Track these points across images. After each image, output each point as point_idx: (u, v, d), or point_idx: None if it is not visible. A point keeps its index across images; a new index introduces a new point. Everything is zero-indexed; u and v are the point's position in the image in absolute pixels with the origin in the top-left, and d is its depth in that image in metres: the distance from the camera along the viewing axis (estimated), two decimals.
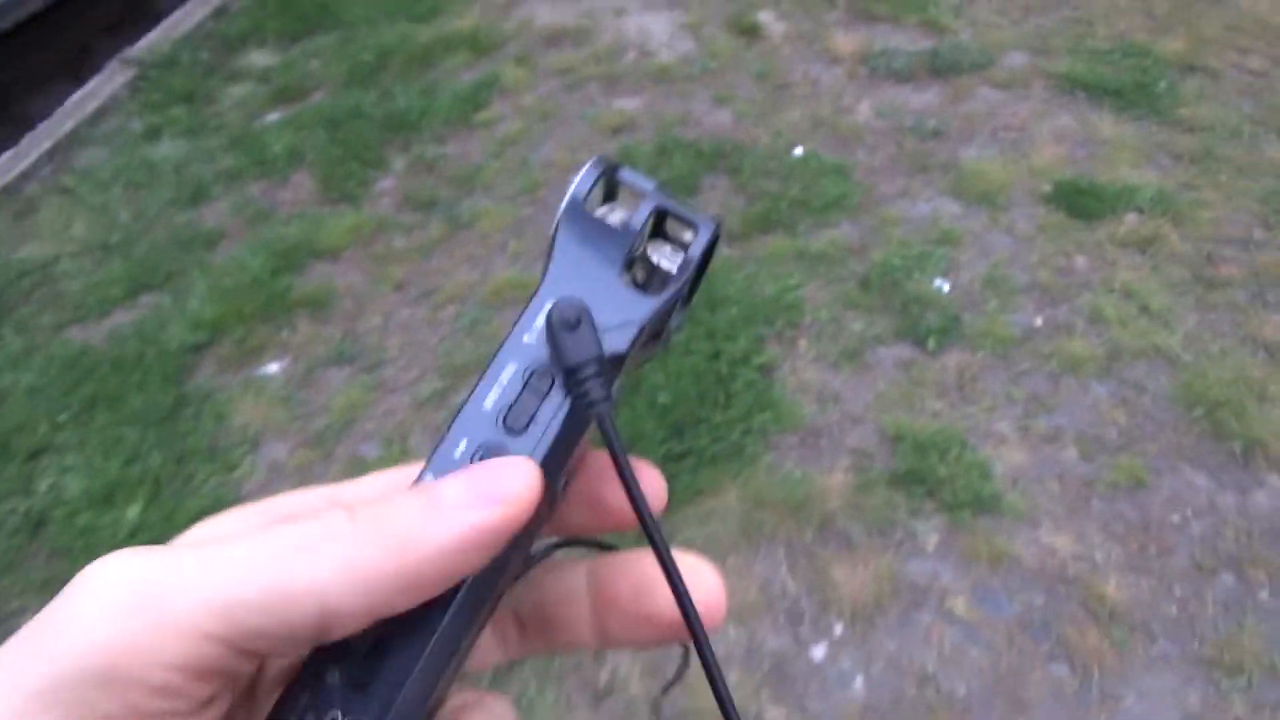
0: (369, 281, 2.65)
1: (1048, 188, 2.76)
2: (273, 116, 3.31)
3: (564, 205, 0.29)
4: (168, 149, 3.18)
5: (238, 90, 3.46)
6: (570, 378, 0.26)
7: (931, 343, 2.31)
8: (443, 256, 2.71)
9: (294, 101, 3.36)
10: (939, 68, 3.26)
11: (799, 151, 2.95)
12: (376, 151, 3.09)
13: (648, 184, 0.30)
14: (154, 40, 3.67)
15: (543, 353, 0.27)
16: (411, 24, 3.67)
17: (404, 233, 2.80)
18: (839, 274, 2.52)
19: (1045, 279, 2.47)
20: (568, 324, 0.26)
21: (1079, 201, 2.67)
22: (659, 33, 3.53)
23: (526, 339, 0.27)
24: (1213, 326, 2.33)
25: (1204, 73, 3.23)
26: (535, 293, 0.28)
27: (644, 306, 0.28)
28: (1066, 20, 3.53)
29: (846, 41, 3.41)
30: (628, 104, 3.20)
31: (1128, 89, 3.12)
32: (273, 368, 2.42)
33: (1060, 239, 2.59)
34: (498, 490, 0.23)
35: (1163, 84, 3.15)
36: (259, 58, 3.61)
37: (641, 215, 0.29)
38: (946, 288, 2.47)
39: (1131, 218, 2.64)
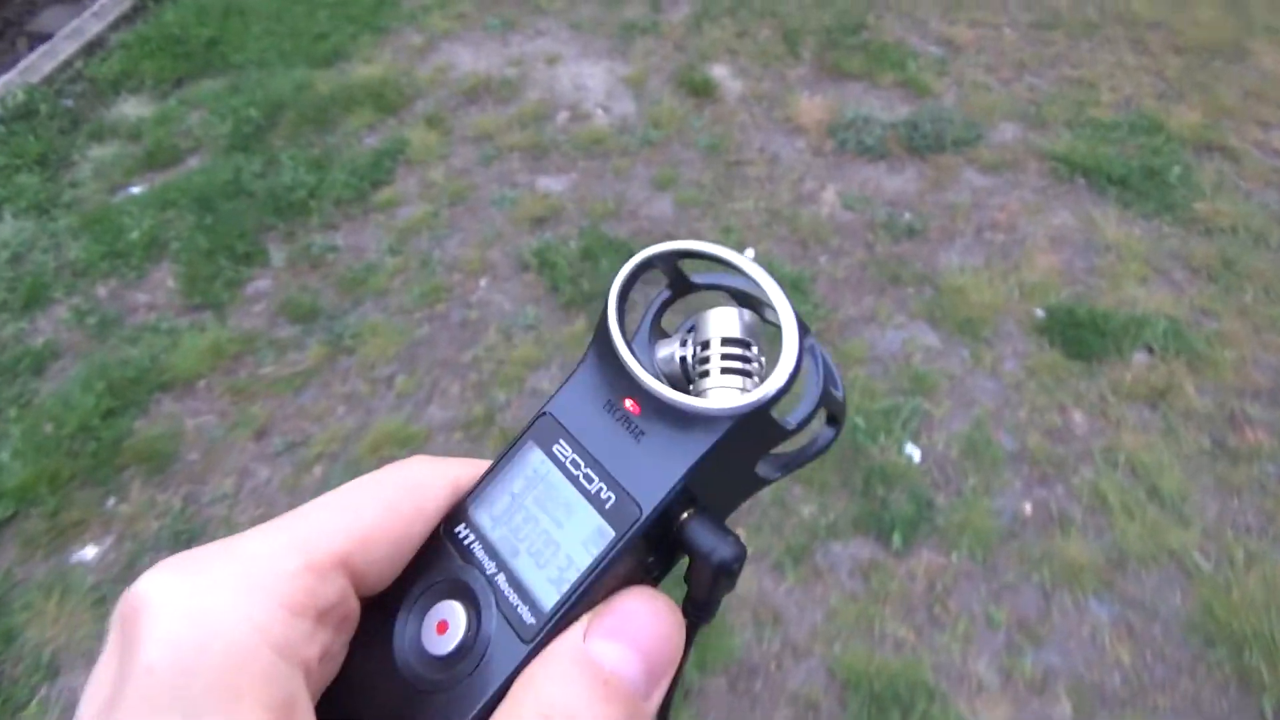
0: (225, 425, 2.18)
1: (1041, 313, 2.32)
2: (137, 189, 2.81)
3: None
4: (8, 231, 2.68)
5: (101, 152, 2.95)
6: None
7: (897, 538, 1.88)
8: (317, 391, 2.24)
9: (165, 168, 2.86)
10: (918, 144, 2.80)
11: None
12: (253, 241, 2.60)
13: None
14: (9, 84, 3.14)
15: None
16: (311, 69, 3.16)
17: (275, 354, 2.33)
18: None
19: (1036, 445, 2.04)
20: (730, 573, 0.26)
21: (1078, 336, 2.24)
22: (595, 88, 3.04)
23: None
24: (1237, 519, 1.91)
25: (1223, 154, 2.79)
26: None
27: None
28: (1065, 81, 3.06)
29: (812, 106, 2.94)
30: (553, 185, 2.72)
31: (1136, 176, 2.67)
32: (88, 553, 1.96)
33: (1055, 386, 2.16)
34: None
35: (1176, 170, 2.71)
36: (132, 107, 3.09)
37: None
38: (918, 456, 2.04)
39: (1140, 359, 2.21)
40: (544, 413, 0.30)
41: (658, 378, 0.28)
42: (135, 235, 2.62)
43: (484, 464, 0.30)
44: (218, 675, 0.21)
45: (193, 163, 2.88)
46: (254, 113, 2.97)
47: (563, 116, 2.94)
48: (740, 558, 0.27)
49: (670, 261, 0.30)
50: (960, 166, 2.75)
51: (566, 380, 0.30)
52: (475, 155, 2.83)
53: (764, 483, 0.30)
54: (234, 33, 3.33)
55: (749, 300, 0.30)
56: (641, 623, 0.25)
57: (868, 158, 2.79)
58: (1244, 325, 2.29)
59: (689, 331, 0.30)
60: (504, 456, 0.30)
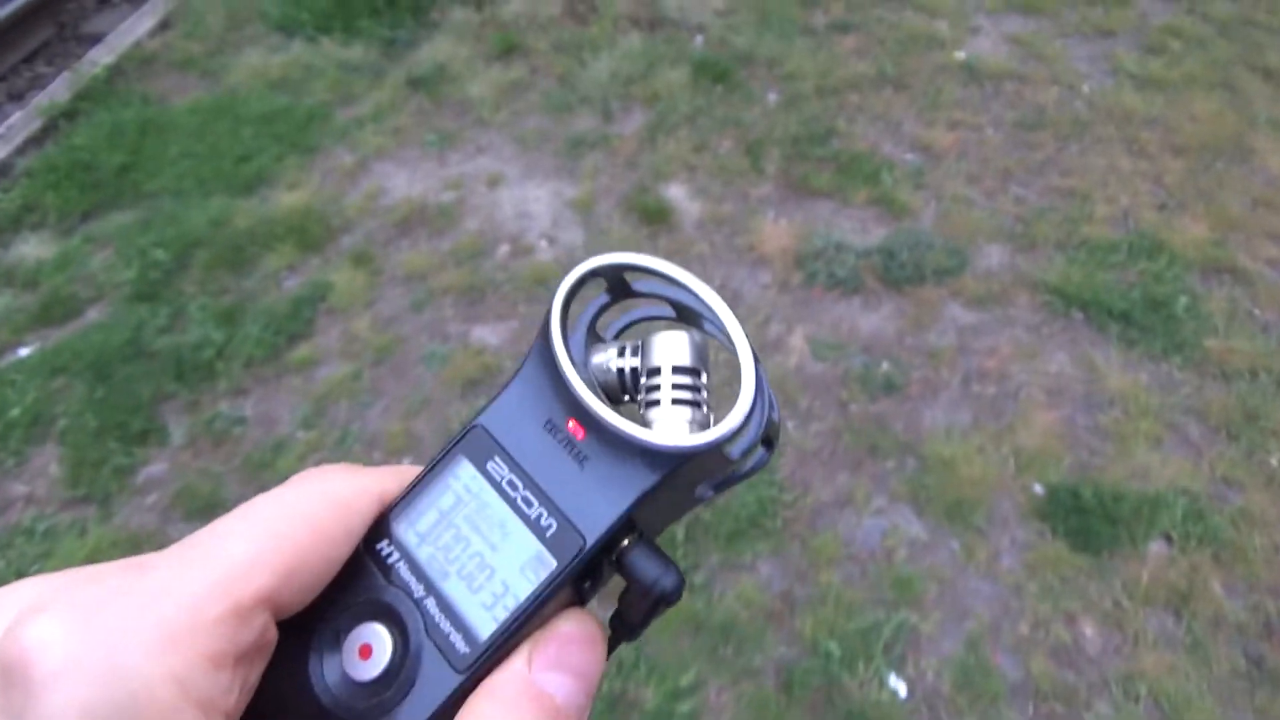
0: None
1: (1040, 489, 2.03)
2: (26, 350, 2.51)
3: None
4: None
5: None
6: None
7: None
8: None
9: (60, 323, 2.57)
10: (895, 275, 2.52)
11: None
12: (150, 414, 2.30)
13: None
14: None
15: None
16: (231, 198, 2.88)
17: None
18: (749, 666, 1.77)
19: (1042, 672, 1.74)
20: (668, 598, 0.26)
21: (1084, 524, 1.94)
22: (540, 214, 2.76)
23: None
24: None
25: (1233, 276, 2.51)
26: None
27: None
28: (1055, 192, 2.79)
29: (777, 232, 2.66)
30: (489, 336, 2.43)
31: (1139, 310, 2.39)
32: None
33: (1061, 588, 1.86)
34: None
35: (1183, 300, 2.43)
36: (32, 247, 2.81)
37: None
38: (903, 691, 1.73)
39: (1157, 550, 1.91)
40: (475, 425, 0.28)
41: (598, 394, 0.27)
42: (17, 412, 2.32)
43: (410, 472, 0.28)
44: None
45: (92, 315, 2.59)
46: (162, 254, 2.68)
47: (503, 251, 2.66)
48: (680, 588, 0.27)
49: (616, 273, 0.30)
50: (943, 301, 2.47)
51: (500, 392, 0.28)
52: (404, 300, 2.54)
53: (698, 503, 0.29)
54: (149, 157, 3.06)
55: (688, 313, 0.30)
56: (581, 650, 0.26)
57: (840, 292, 2.50)
58: (1272, 498, 2.00)
59: (633, 349, 0.29)
60: (432, 469, 0.28)
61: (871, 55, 3.31)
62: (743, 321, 0.28)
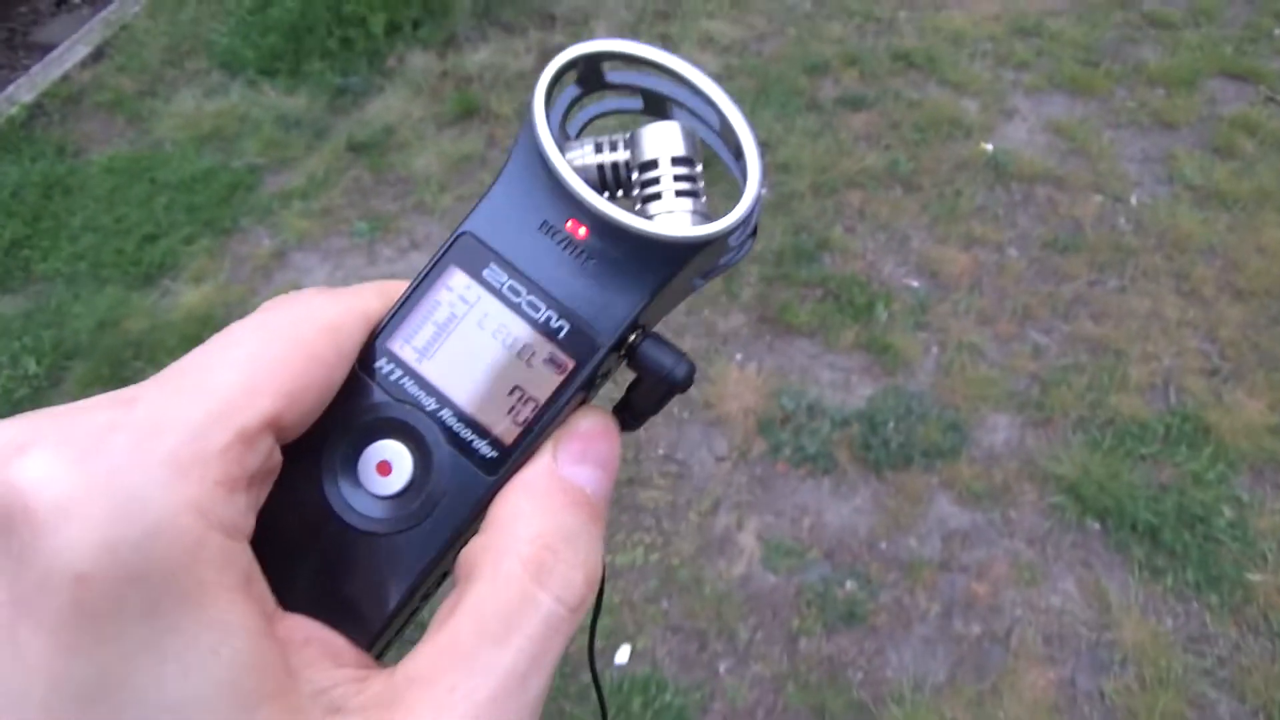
0: None
1: None
2: None
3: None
4: None
5: None
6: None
7: None
8: None
9: None
10: (876, 454, 2.10)
11: (621, 662, 1.81)
12: None
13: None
14: None
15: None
16: (127, 289, 2.52)
17: None
18: None
19: None
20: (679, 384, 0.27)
21: None
22: None
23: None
24: None
25: None
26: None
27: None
28: (1083, 344, 2.33)
29: (744, 382, 2.24)
30: None
31: (1170, 524, 1.96)
32: None
33: None
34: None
35: (1226, 514, 1.99)
36: None
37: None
38: None
39: None
40: (463, 232, 0.27)
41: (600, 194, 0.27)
42: None
43: (393, 288, 0.27)
44: (172, 571, 0.19)
45: None
46: (35, 365, 2.33)
47: None
48: (692, 375, 0.28)
49: (594, 62, 0.29)
50: (931, 492, 2.05)
51: (484, 197, 0.27)
52: None
53: (690, 293, 0.30)
54: (48, 229, 2.70)
55: (659, 103, 0.30)
56: (602, 443, 0.27)
57: (808, 471, 2.09)
58: None
59: (611, 144, 0.28)
60: (420, 282, 0.27)
61: (883, 142, 2.84)
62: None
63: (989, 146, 2.82)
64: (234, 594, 0.20)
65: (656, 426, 2.17)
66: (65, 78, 3.22)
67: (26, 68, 3.69)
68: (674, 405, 2.18)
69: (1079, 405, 2.20)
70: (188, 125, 3.01)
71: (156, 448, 0.20)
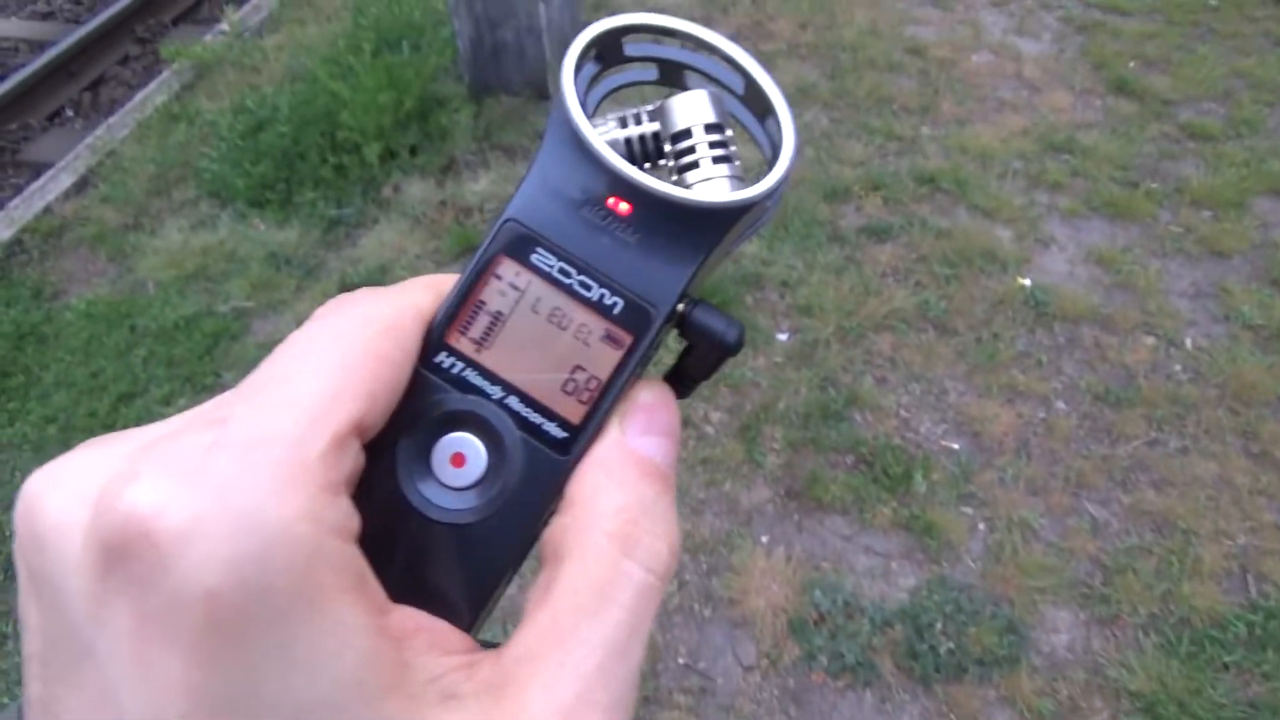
0: None
1: None
2: None
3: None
4: None
5: None
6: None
7: None
8: None
9: None
10: (924, 662, 1.87)
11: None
12: None
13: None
14: None
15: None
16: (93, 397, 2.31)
17: None
18: None
19: None
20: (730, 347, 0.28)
21: None
22: None
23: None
24: None
25: None
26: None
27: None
28: (1146, 519, 2.11)
29: (771, 573, 2.02)
30: None
31: None
32: None
33: None
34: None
35: None
36: None
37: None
38: None
39: None
40: (506, 220, 0.27)
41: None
42: None
43: (441, 282, 0.28)
44: (293, 579, 0.20)
45: None
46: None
47: None
48: (743, 337, 0.28)
49: (616, 37, 0.29)
50: (989, 710, 1.81)
51: (522, 182, 0.28)
52: None
53: (728, 256, 0.30)
54: (18, 386, 2.52)
55: (674, 73, 0.31)
56: (665, 413, 0.27)
57: (846, 683, 1.86)
58: None
59: (636, 117, 0.29)
60: (470, 273, 0.27)
61: (912, 278, 2.64)
62: None
63: (1026, 281, 2.62)
64: (350, 595, 0.21)
65: (677, 629, 1.95)
66: (47, 210, 3.07)
67: (16, 187, 3.56)
68: (695, 602, 1.96)
69: (1148, 597, 1.97)
70: (172, 263, 2.84)
71: (261, 462, 0.20)
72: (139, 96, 3.60)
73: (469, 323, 0.27)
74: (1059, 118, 3.23)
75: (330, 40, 3.63)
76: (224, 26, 3.89)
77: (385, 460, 0.26)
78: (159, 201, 3.09)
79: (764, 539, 2.09)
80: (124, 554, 0.19)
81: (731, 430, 2.28)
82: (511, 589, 0.27)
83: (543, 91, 3.23)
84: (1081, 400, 2.35)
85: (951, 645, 1.90)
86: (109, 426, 2.40)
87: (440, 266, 2.75)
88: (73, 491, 0.21)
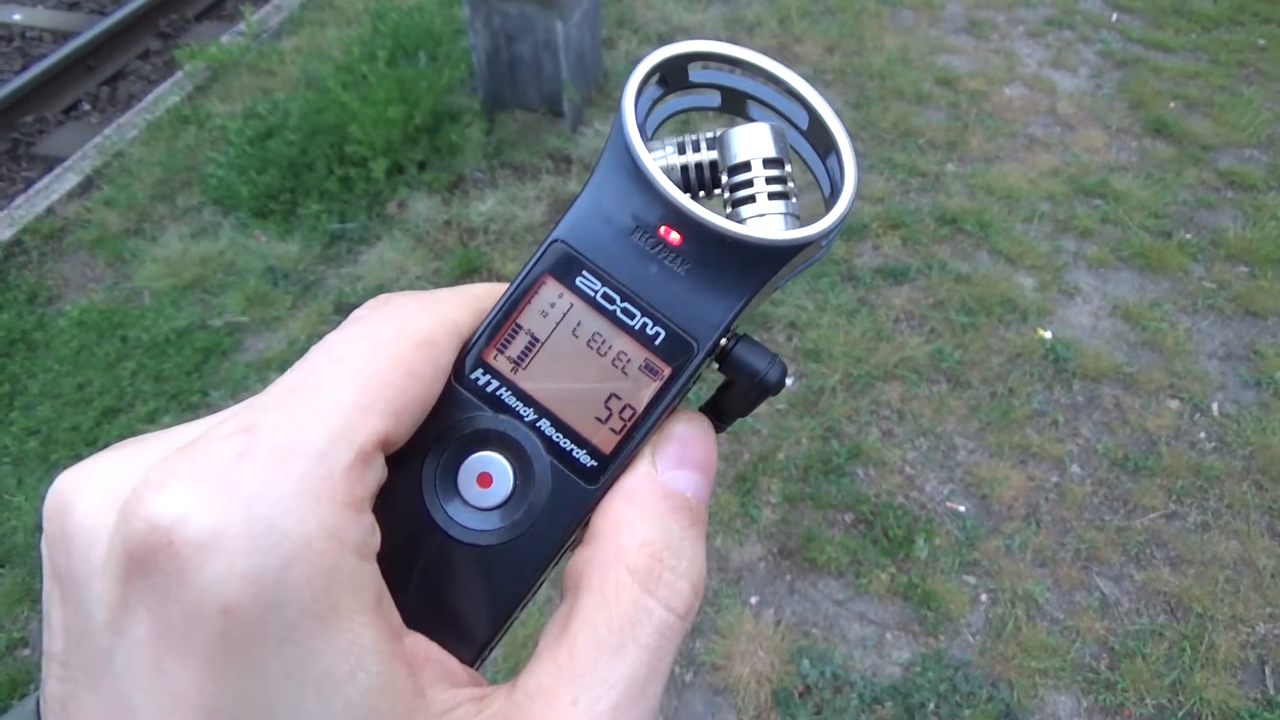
0: None
1: None
2: None
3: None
4: None
5: None
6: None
7: None
8: None
9: None
10: None
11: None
12: None
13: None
14: None
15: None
16: (78, 410, 2.28)
17: None
18: None
19: None
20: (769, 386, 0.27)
21: None
22: None
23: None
24: None
25: None
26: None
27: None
28: (1159, 600, 1.99)
29: (757, 637, 1.92)
30: None
31: None
32: None
33: None
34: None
35: None
36: None
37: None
38: None
39: None
40: (554, 240, 0.27)
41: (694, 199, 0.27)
42: None
43: (484, 295, 0.28)
44: (311, 597, 0.20)
45: None
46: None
47: None
48: (784, 377, 0.27)
49: (682, 62, 0.29)
50: None
51: (574, 203, 0.27)
52: None
53: (775, 289, 0.29)
54: (3, 392, 2.48)
55: (738, 101, 0.30)
56: (700, 447, 0.27)
57: None
58: None
59: (695, 144, 0.28)
60: (513, 292, 0.27)
61: (926, 325, 2.53)
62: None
63: (1047, 334, 2.50)
64: (367, 616, 0.21)
65: None
66: (50, 211, 3.03)
67: (28, 181, 3.53)
68: (677, 665, 1.87)
69: (1156, 686, 1.85)
70: (170, 272, 2.79)
71: (287, 474, 0.20)
72: (151, 96, 3.56)
73: (508, 341, 0.27)
74: (1092, 159, 3.10)
75: (347, 46, 3.57)
76: (241, 27, 3.84)
77: (410, 473, 0.26)
78: (162, 207, 3.05)
79: (753, 600, 2.00)
80: (146, 563, 0.19)
81: (727, 480, 2.19)
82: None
83: (557, 109, 3.15)
84: (1098, 465, 2.24)
85: None
86: (91, 443, 2.35)
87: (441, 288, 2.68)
88: (102, 493, 0.21)
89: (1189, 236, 2.81)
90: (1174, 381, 2.40)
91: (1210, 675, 1.87)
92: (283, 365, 2.47)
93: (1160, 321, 2.54)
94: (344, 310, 2.63)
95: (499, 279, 2.13)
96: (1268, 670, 1.89)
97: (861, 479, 2.20)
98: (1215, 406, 2.35)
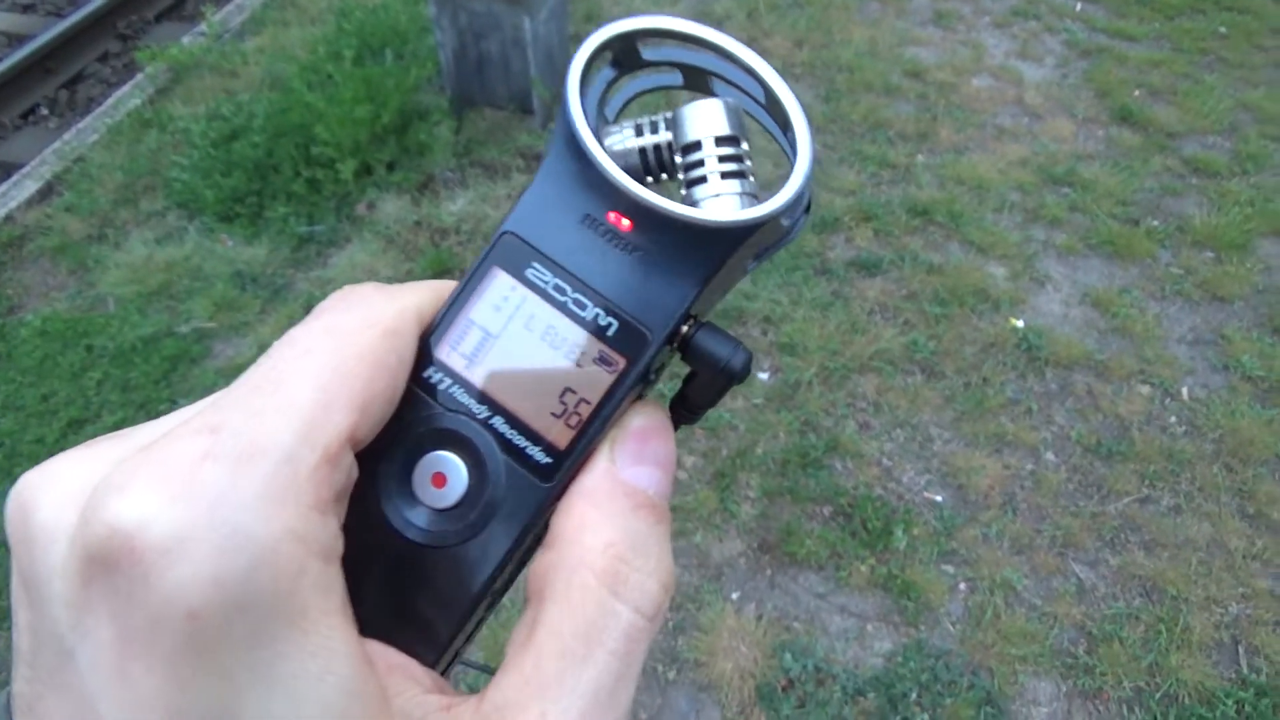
0: None
1: None
2: None
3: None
4: None
5: None
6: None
7: None
8: None
9: None
10: None
11: None
12: None
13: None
14: None
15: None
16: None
17: None
18: None
19: None
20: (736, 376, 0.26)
21: None
22: None
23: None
24: None
25: None
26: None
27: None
28: (1134, 583, 2.03)
29: (739, 631, 1.92)
30: None
31: None
32: None
33: None
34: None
35: None
36: None
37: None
38: None
39: None
40: (504, 232, 0.26)
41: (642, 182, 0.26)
42: None
43: (445, 287, 0.27)
44: (277, 601, 0.19)
45: None
46: None
47: None
48: (749, 364, 0.27)
49: (630, 40, 0.28)
50: None
51: (523, 194, 0.27)
52: None
53: (743, 275, 0.28)
54: None
55: (699, 78, 0.29)
56: (658, 441, 0.26)
57: None
58: None
59: (652, 125, 0.27)
60: (464, 286, 0.26)
61: (900, 317, 2.54)
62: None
63: (1019, 323, 2.52)
64: (334, 619, 0.20)
65: (638, 691, 1.84)
66: (8, 218, 2.96)
67: None
68: (660, 662, 1.87)
69: (1133, 669, 1.87)
70: (135, 278, 2.74)
71: (251, 476, 0.20)
72: (111, 99, 3.49)
73: (460, 337, 0.26)
74: (1060, 148, 3.13)
75: (312, 45, 3.52)
76: (203, 28, 3.78)
77: (366, 474, 0.24)
78: (125, 212, 2.99)
79: (734, 595, 2.00)
80: (107, 566, 0.19)
81: (705, 476, 2.18)
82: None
83: (526, 106, 3.13)
84: (1072, 452, 2.26)
85: (927, 718, 1.80)
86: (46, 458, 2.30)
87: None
88: (64, 493, 0.21)
89: (1156, 223, 2.84)
90: (1144, 367, 2.43)
91: (1186, 656, 1.90)
92: None
93: (1129, 308, 2.57)
94: None
95: None
96: (1241, 649, 1.92)
97: (839, 471, 2.21)
98: (1185, 391, 2.39)
